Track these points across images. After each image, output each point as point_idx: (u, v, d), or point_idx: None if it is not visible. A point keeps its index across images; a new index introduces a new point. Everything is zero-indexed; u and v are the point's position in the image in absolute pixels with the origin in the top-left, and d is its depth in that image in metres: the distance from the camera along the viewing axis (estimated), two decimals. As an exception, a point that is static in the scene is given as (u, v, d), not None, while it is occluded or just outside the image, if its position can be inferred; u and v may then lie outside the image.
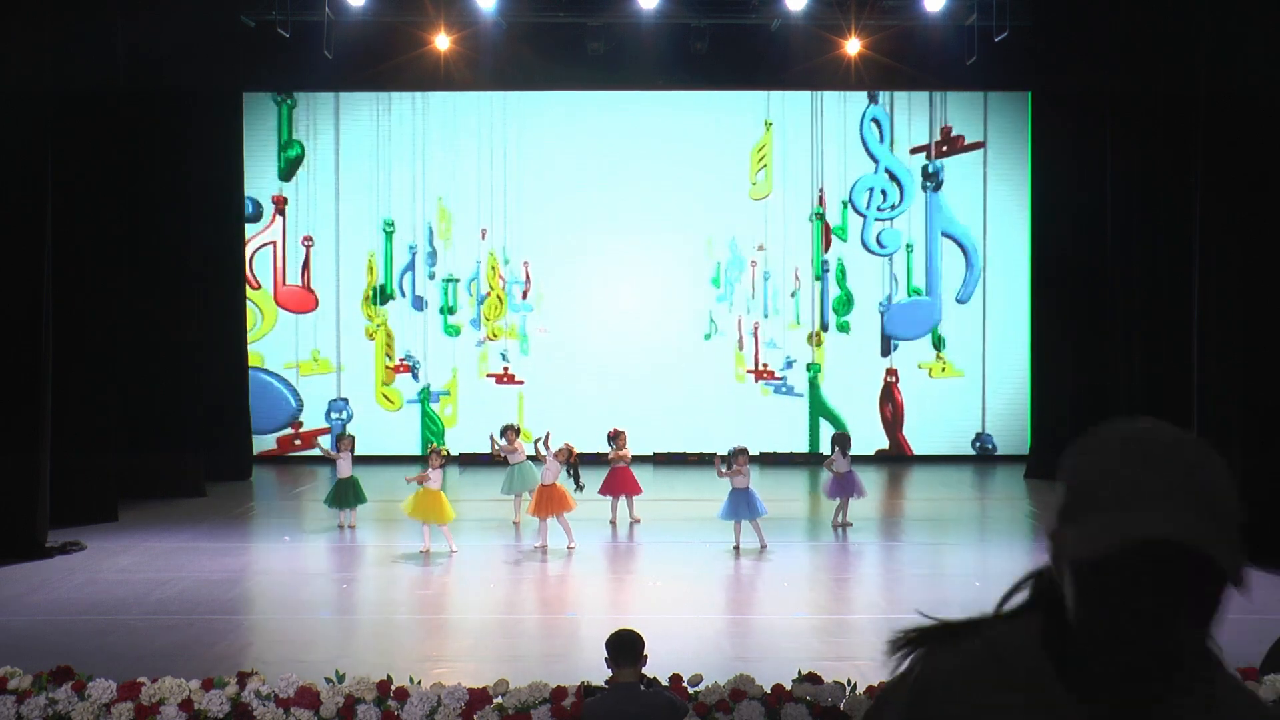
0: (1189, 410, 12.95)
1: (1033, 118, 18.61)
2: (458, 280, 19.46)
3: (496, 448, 14.47)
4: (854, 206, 19.62)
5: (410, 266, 19.47)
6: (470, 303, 19.48)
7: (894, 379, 19.53)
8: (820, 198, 19.50)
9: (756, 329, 19.51)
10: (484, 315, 19.50)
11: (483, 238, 19.36)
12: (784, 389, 19.53)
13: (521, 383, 19.44)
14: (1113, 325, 15.19)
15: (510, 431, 14.46)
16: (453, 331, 19.50)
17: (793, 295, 19.45)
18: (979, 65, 16.30)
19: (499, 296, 19.46)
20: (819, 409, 19.52)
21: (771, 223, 19.39)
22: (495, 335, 19.54)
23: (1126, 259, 14.78)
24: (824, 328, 19.59)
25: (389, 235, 19.49)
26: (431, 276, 19.42)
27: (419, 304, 19.47)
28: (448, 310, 19.51)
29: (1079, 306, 16.65)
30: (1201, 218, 12.73)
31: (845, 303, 19.61)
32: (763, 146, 19.45)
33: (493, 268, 19.45)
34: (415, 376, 19.51)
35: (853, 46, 16.52)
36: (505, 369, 19.50)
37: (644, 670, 6.17)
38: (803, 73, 17.47)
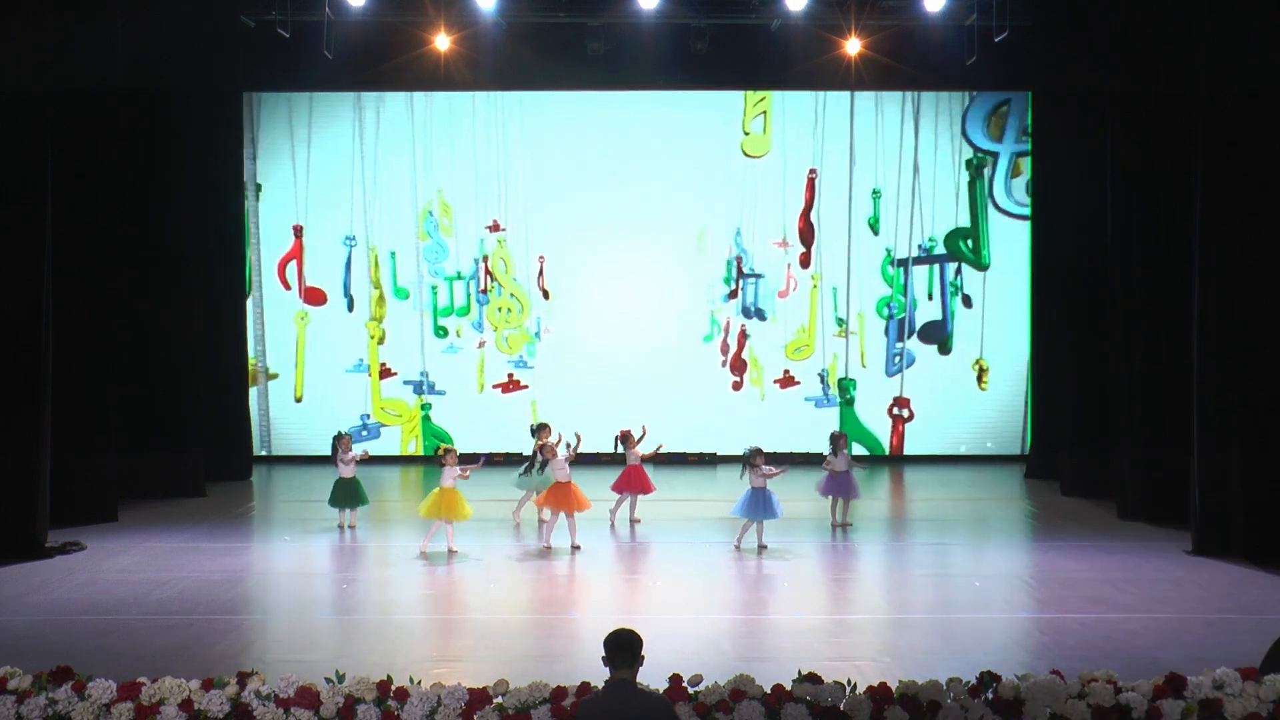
0: (1189, 410, 12.94)
1: (1033, 118, 18.59)
2: (468, 278, 19.20)
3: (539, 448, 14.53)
4: (971, 141, 18.86)
5: (348, 264, 19.14)
6: (488, 312, 19.24)
7: (905, 413, 19.22)
8: (810, 182, 19.12)
9: (743, 331, 19.20)
10: (489, 321, 19.25)
11: (494, 229, 19.06)
12: (824, 402, 19.14)
13: (526, 387, 19.26)
14: (1113, 325, 15.17)
15: (544, 430, 14.46)
16: (440, 333, 19.26)
17: (782, 296, 19.24)
18: (979, 65, 16.30)
19: (516, 297, 19.10)
20: (853, 430, 18.83)
21: (768, 211, 19.16)
22: (511, 348, 19.21)
23: (1126, 259, 14.75)
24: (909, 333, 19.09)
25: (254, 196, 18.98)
26: (446, 274, 19.17)
27: (351, 305, 19.18)
28: (450, 309, 19.28)
29: (1079, 306, 16.63)
30: (1201, 218, 12.73)
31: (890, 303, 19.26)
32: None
33: (503, 261, 19.13)
34: (419, 390, 19.28)
35: (853, 46, 16.52)
36: (510, 375, 19.31)
37: (642, 670, 6.15)
38: (803, 73, 17.48)
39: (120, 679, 7.54)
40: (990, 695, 7.40)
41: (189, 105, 16.91)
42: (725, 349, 19.33)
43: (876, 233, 19.20)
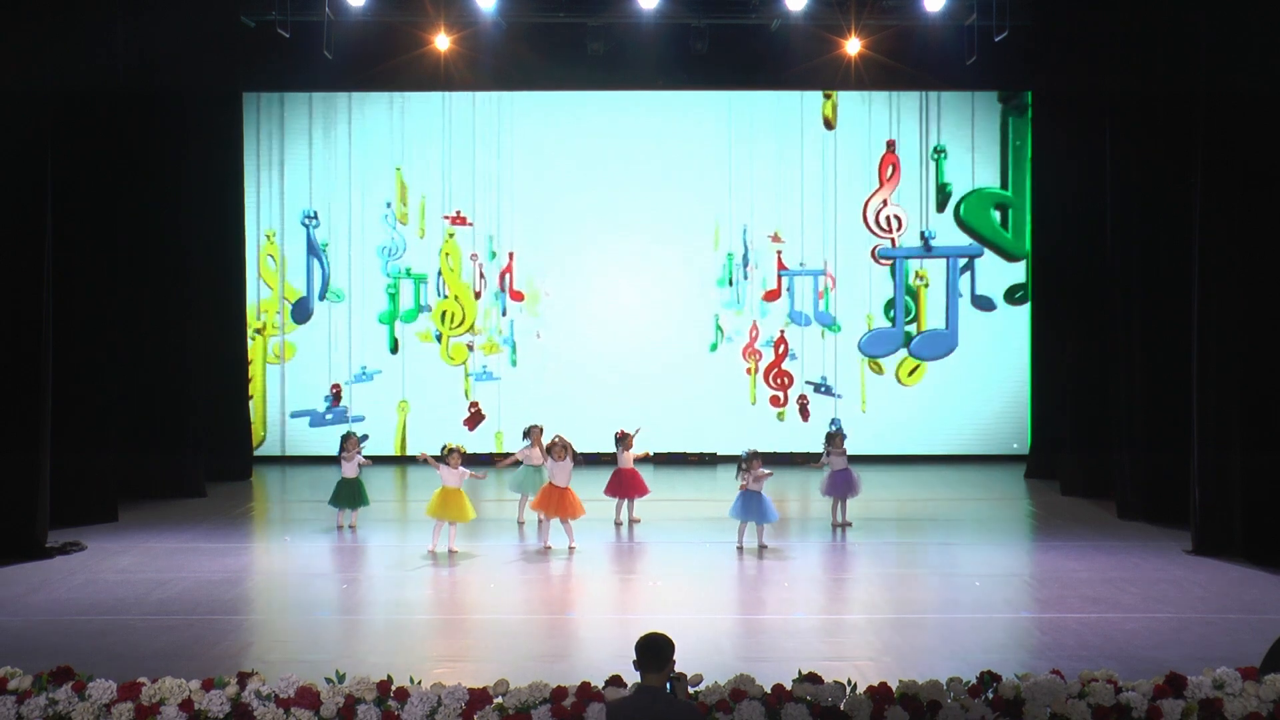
0: (1189, 410, 12.94)
1: (1033, 118, 18.57)
2: (418, 278, 18.83)
3: (516, 454, 14.52)
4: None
5: (311, 254, 18.92)
6: (433, 315, 18.89)
7: None
8: (888, 156, 18.65)
9: (783, 338, 18.82)
10: (440, 324, 18.85)
11: (456, 222, 18.75)
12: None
13: (484, 418, 18.66)
14: (1113, 325, 15.18)
15: (535, 431, 14.42)
16: (392, 345, 18.95)
17: (823, 294, 18.84)
18: (979, 65, 16.27)
19: (460, 300, 18.44)
20: None
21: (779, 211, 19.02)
22: (455, 358, 18.72)
23: (1126, 259, 14.76)
24: None
25: None
26: (396, 271, 18.90)
27: (304, 314, 18.79)
28: (394, 314, 18.83)
29: (1079, 306, 16.64)
30: (1201, 217, 12.73)
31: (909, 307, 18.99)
32: None
33: (449, 257, 18.56)
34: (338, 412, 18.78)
35: (853, 46, 16.50)
36: (474, 407, 18.75)
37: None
38: (803, 73, 17.44)
39: (120, 679, 7.54)
40: (990, 695, 7.40)
41: (189, 105, 16.88)
42: (755, 356, 18.97)
43: (942, 209, 18.89)
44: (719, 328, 19.13)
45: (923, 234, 18.95)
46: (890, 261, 19.00)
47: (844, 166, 19.06)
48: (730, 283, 19.08)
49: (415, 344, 19.04)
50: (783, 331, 19.07)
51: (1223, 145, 12.58)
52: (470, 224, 18.95)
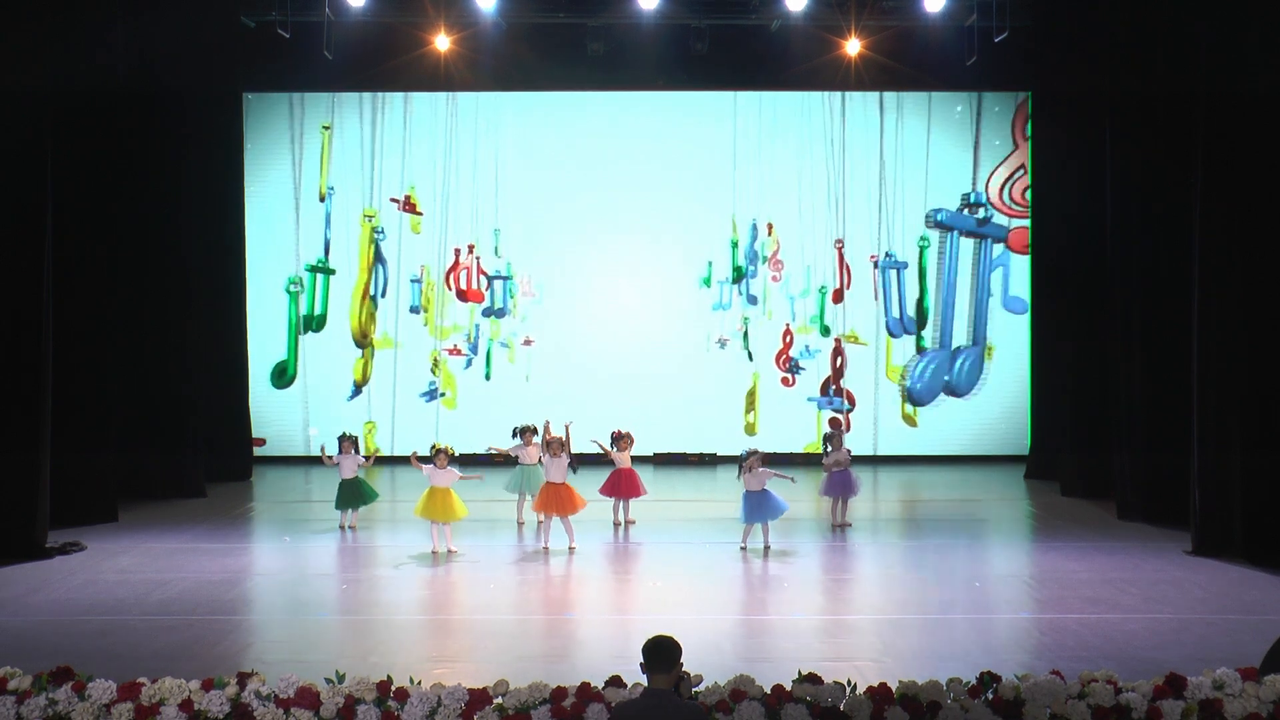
0: (1189, 410, 12.94)
1: (1033, 118, 18.58)
2: (327, 273, 18.57)
3: (506, 449, 14.53)
4: None
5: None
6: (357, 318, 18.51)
7: None
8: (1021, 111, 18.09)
9: (838, 348, 18.57)
10: (360, 332, 18.54)
11: (406, 209, 18.28)
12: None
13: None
14: (1113, 325, 15.18)
15: (527, 433, 14.42)
16: (277, 380, 18.58)
17: (836, 300, 18.59)
18: (979, 65, 16.30)
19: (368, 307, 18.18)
20: None
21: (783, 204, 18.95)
22: (366, 371, 18.39)
23: (1126, 259, 14.77)
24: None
25: None
26: (319, 267, 18.58)
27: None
28: (303, 318, 18.60)
29: (1079, 306, 16.64)
30: (1201, 218, 12.73)
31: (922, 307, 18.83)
32: None
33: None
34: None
35: (853, 47, 16.53)
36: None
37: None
38: (803, 73, 17.47)
39: (120, 679, 7.54)
40: (990, 695, 7.40)
41: (189, 105, 16.88)
42: (786, 363, 18.75)
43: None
44: (746, 334, 18.98)
45: (966, 197, 18.59)
46: (945, 229, 18.60)
47: (847, 163, 19.02)
48: (735, 280, 18.95)
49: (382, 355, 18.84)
50: (838, 340, 18.77)
51: (1223, 145, 12.57)
52: (421, 213, 18.70)
